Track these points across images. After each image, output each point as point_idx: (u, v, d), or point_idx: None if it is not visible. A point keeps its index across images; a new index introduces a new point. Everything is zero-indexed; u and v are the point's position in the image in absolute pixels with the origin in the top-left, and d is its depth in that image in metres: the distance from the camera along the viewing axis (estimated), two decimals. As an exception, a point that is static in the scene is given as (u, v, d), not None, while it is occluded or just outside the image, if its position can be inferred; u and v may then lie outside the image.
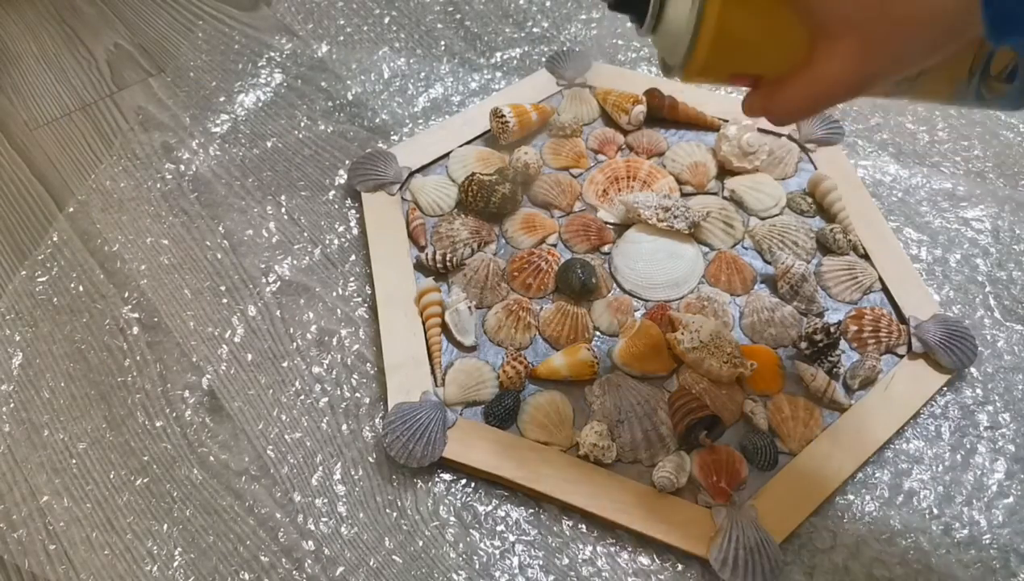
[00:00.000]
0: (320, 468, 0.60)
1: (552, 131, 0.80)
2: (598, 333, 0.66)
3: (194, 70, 0.89)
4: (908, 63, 0.36)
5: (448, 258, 0.68)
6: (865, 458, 0.59)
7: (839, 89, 0.37)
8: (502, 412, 0.60)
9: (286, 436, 0.62)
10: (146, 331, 0.68)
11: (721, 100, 0.83)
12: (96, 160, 0.80)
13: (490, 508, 0.59)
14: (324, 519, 0.58)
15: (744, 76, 0.41)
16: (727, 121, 0.78)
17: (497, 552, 0.57)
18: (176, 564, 0.56)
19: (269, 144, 0.82)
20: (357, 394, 0.64)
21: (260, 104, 0.85)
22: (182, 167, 0.80)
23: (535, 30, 0.94)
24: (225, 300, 0.70)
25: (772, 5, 0.37)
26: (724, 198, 0.75)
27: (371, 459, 0.61)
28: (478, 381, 0.62)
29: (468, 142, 0.79)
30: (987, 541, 0.57)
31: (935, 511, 0.59)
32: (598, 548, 0.57)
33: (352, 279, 0.71)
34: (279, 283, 0.71)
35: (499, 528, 0.58)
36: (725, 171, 0.77)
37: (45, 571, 0.56)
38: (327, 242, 0.74)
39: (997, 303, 0.70)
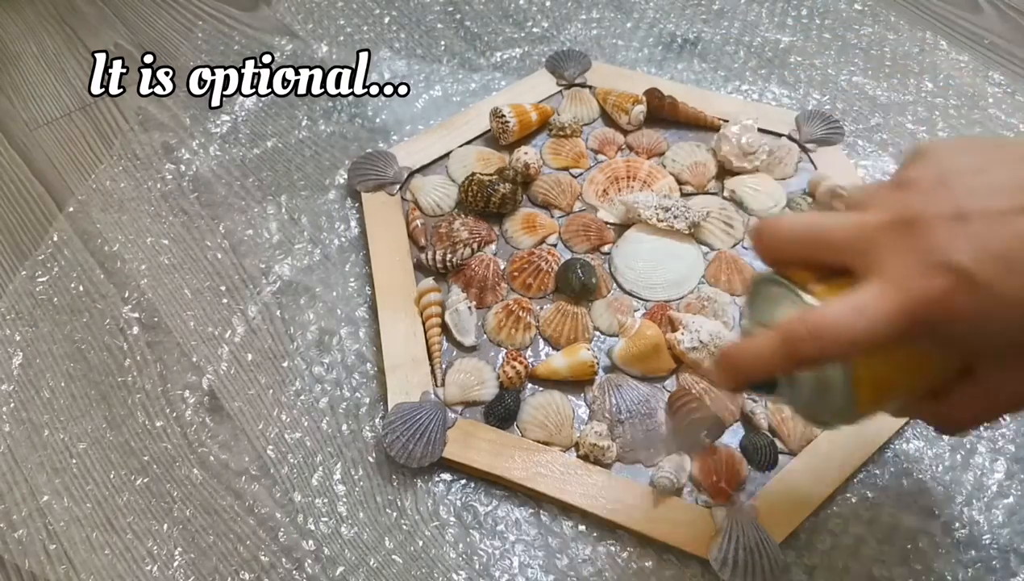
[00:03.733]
0: (320, 468, 0.60)
1: (552, 131, 0.80)
2: (598, 333, 0.66)
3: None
4: None
5: (448, 258, 0.68)
6: (865, 458, 0.59)
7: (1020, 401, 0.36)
8: (502, 412, 0.60)
9: (286, 436, 0.62)
10: (146, 331, 0.68)
11: (721, 100, 0.83)
12: (96, 160, 0.80)
13: (490, 508, 0.59)
14: (324, 519, 0.58)
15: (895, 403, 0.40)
16: (727, 121, 0.78)
17: (497, 552, 0.57)
18: (176, 564, 0.56)
19: (269, 144, 0.82)
20: (357, 394, 0.64)
21: (260, 104, 0.85)
22: (182, 167, 0.80)
23: (535, 30, 0.94)
24: (225, 300, 0.70)
25: (914, 352, 0.35)
26: (724, 198, 0.75)
27: (371, 459, 0.61)
28: (478, 381, 0.62)
29: (468, 142, 0.79)
30: (987, 541, 0.57)
31: (935, 511, 0.59)
32: (598, 548, 0.57)
33: (352, 279, 0.71)
34: (279, 283, 0.71)
35: (499, 528, 0.58)
36: (725, 171, 0.77)
37: (45, 571, 0.56)
38: (327, 242, 0.74)
39: (997, 303, 0.70)
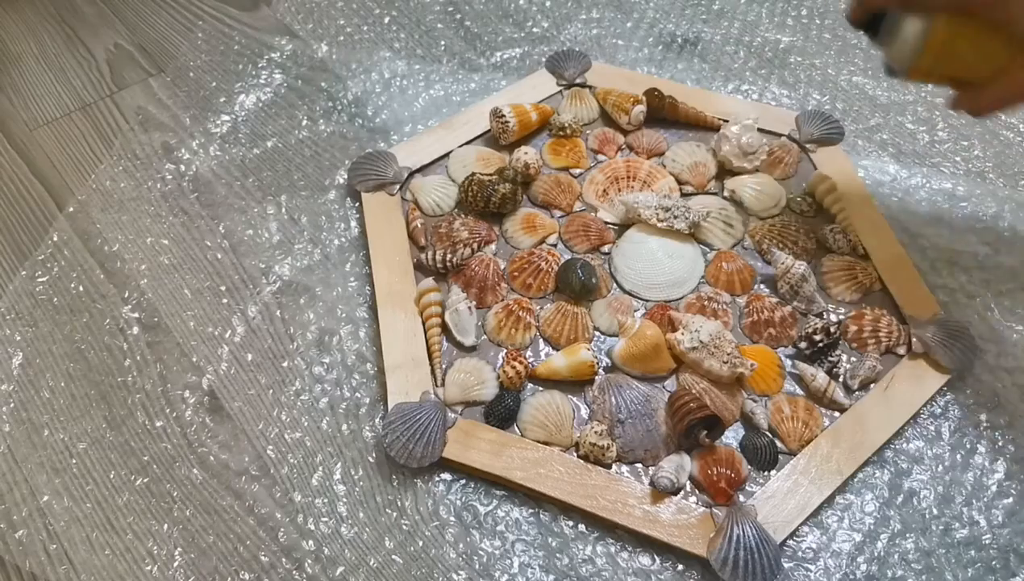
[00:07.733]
0: (320, 468, 0.60)
1: (552, 131, 0.80)
2: (598, 333, 0.66)
3: (194, 70, 0.89)
4: None
5: (448, 258, 0.68)
6: (865, 458, 0.59)
7: None
8: (502, 412, 0.60)
9: (286, 436, 0.62)
10: (146, 331, 0.68)
11: (721, 100, 0.83)
12: (96, 160, 0.80)
13: (490, 508, 0.59)
14: (324, 519, 0.58)
15: (954, 80, 0.55)
16: (727, 121, 0.78)
17: (497, 552, 0.57)
18: (176, 564, 0.56)
19: (269, 144, 0.82)
20: (357, 394, 0.64)
21: (260, 104, 0.85)
22: (182, 167, 0.80)
23: (535, 30, 0.94)
24: (225, 300, 0.70)
25: (983, 27, 0.51)
26: (724, 198, 0.75)
27: (371, 459, 0.61)
28: (478, 381, 0.62)
29: (468, 142, 0.79)
30: (987, 541, 0.57)
31: (935, 511, 0.59)
32: (598, 548, 0.57)
33: (352, 279, 0.71)
34: (279, 283, 0.71)
35: (499, 528, 0.58)
36: (725, 171, 0.77)
37: (45, 571, 0.56)
38: (327, 242, 0.74)
39: (997, 303, 0.70)
